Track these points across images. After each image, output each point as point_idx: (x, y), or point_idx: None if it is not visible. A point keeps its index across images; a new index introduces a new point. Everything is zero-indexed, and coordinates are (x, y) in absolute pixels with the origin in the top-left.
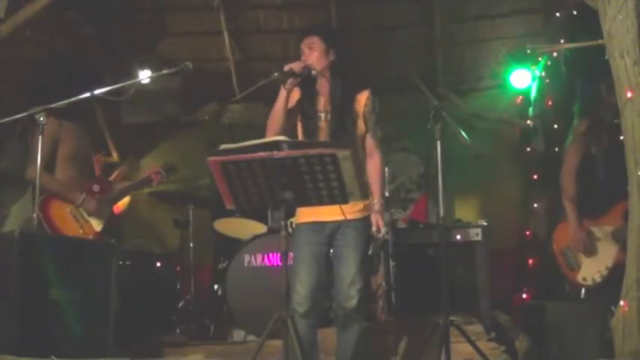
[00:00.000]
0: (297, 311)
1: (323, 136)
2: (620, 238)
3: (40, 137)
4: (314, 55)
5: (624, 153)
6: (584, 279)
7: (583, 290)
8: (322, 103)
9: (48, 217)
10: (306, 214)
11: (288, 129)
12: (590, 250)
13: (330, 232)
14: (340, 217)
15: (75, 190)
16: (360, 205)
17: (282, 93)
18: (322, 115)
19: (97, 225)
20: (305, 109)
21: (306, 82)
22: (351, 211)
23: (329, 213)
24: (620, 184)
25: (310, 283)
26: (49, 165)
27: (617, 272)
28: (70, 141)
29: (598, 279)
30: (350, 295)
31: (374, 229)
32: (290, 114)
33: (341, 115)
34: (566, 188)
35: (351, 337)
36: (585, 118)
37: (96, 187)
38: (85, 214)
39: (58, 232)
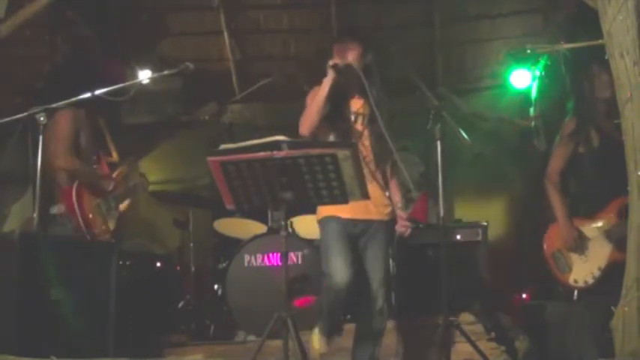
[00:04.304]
0: (338, 293)
1: (363, 139)
2: (614, 237)
3: (41, 137)
4: (352, 55)
5: (615, 152)
6: (576, 281)
7: (575, 292)
8: (357, 105)
9: (82, 208)
10: (339, 210)
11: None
12: (581, 251)
13: (360, 232)
14: (373, 217)
15: (103, 177)
16: (388, 207)
17: (328, 81)
18: (354, 117)
19: (111, 224)
20: (337, 111)
21: (339, 82)
22: (382, 212)
23: (362, 211)
24: (611, 183)
25: (349, 263)
26: (76, 154)
27: (610, 272)
28: (86, 132)
29: (590, 280)
30: (378, 295)
31: (400, 225)
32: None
33: (382, 116)
34: (551, 189)
35: (375, 345)
36: (573, 118)
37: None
38: (105, 212)
39: (89, 225)
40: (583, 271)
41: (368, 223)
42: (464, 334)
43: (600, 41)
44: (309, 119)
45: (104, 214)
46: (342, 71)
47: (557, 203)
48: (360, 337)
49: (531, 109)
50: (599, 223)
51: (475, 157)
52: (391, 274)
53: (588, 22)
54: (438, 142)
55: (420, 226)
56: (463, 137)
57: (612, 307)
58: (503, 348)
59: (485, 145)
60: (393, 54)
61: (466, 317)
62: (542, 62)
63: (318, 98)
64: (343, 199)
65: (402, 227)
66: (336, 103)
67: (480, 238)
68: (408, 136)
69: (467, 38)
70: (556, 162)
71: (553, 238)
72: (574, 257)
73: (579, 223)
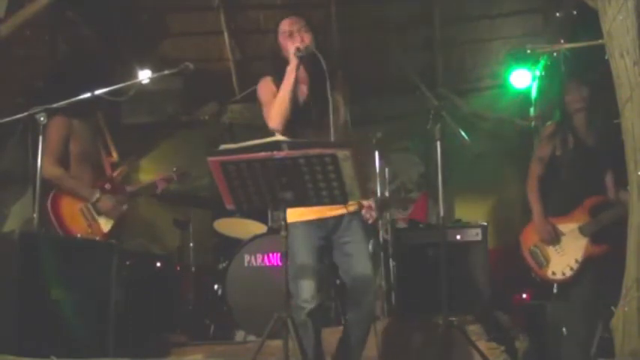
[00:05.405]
0: (305, 309)
1: (322, 129)
2: (587, 233)
3: (41, 137)
4: (308, 39)
5: (587, 156)
6: (554, 273)
7: (555, 285)
8: (303, 90)
9: (57, 213)
10: (304, 213)
11: None
12: (557, 244)
13: (332, 227)
14: (340, 211)
15: (89, 187)
16: None
17: (293, 69)
18: (303, 104)
19: (105, 225)
20: (295, 100)
21: (283, 68)
22: (349, 204)
23: (328, 209)
24: (584, 184)
25: (316, 281)
26: (62, 162)
27: (588, 265)
28: (80, 139)
29: (568, 272)
30: (367, 290)
31: (365, 211)
32: None
33: (332, 101)
34: (530, 189)
35: (366, 334)
36: (553, 123)
37: (107, 186)
38: (95, 214)
39: (66, 230)
40: (560, 263)
41: (338, 218)
42: (464, 334)
43: (600, 41)
44: (279, 112)
45: (92, 217)
46: (304, 57)
47: (533, 200)
48: (351, 335)
49: (531, 109)
50: (573, 221)
51: (475, 157)
52: (391, 273)
53: (588, 22)
54: (438, 142)
55: (420, 226)
56: (463, 137)
57: (612, 308)
58: (503, 348)
59: (485, 145)
60: (393, 54)
61: (466, 317)
62: (542, 62)
63: (285, 88)
64: (343, 199)
65: (366, 214)
66: (295, 92)
67: (479, 238)
68: (408, 136)
69: (467, 38)
70: (535, 164)
71: (529, 235)
72: (550, 251)
73: (554, 220)
